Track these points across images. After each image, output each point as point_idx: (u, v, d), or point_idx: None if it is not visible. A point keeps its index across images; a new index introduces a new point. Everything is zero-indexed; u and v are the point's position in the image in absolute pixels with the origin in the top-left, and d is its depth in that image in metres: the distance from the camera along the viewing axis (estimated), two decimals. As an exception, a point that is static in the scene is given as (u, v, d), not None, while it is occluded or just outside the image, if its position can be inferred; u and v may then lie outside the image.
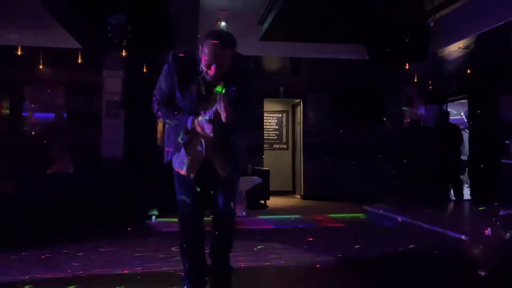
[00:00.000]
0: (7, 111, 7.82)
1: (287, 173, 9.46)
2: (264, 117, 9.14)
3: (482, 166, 7.47)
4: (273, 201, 7.72)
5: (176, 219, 2.50)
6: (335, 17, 5.66)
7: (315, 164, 8.41)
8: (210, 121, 2.17)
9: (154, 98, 2.37)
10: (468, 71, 7.56)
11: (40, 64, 7.03)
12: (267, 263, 3.51)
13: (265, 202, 7.41)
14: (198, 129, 2.21)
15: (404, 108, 7.32)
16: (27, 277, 3.07)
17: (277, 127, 9.69)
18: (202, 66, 2.20)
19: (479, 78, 7.57)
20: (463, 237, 4.23)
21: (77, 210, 5.42)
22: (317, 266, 3.43)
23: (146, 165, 7.16)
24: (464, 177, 8.04)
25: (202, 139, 2.32)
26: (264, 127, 9.07)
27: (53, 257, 3.69)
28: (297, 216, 6.18)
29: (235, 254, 2.73)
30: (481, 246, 3.04)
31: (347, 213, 6.45)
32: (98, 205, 5.43)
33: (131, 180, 5.71)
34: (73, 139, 7.36)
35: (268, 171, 7.67)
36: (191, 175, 2.35)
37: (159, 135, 7.87)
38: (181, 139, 2.31)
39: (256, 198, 7.15)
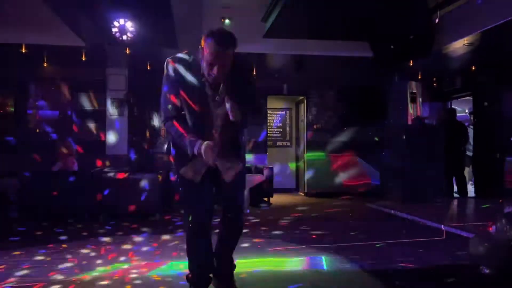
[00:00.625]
0: (12, 109, 7.87)
1: (290, 170, 9.46)
2: (268, 114, 9.14)
3: (486, 163, 7.45)
4: (277, 199, 7.73)
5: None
6: (339, 14, 5.64)
7: (319, 161, 8.41)
8: (213, 148, 2.16)
9: (163, 116, 2.31)
10: (473, 68, 7.53)
11: (44, 62, 7.06)
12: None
13: (268, 199, 7.42)
14: (202, 155, 2.17)
15: (408, 105, 7.29)
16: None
17: (280, 124, 9.69)
18: (204, 68, 2.17)
19: (483, 75, 7.54)
20: (465, 234, 4.23)
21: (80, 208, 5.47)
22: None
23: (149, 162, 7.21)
24: (469, 173, 8.03)
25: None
26: (268, 124, 9.07)
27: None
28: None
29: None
30: (486, 244, 3.03)
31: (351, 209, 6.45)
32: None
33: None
34: (77, 136, 7.40)
35: (271, 168, 7.68)
36: (197, 178, 2.31)
37: (162, 132, 7.89)
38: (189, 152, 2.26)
39: (259, 196, 7.16)
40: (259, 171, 7.36)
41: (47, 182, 5.56)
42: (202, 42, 2.15)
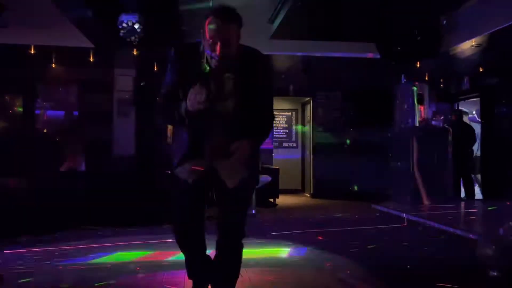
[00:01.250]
0: (20, 109, 7.94)
1: (296, 171, 9.46)
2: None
3: (494, 165, 7.40)
4: (282, 200, 7.73)
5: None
6: (345, 15, 5.64)
7: (325, 163, 8.40)
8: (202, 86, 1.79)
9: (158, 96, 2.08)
10: (481, 69, 7.49)
11: (52, 63, 7.12)
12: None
13: (274, 200, 7.42)
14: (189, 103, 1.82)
15: (415, 106, 7.26)
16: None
17: (286, 125, 9.70)
18: (207, 53, 1.91)
19: (491, 76, 7.50)
20: (473, 236, 4.20)
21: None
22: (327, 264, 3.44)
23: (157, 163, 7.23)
24: (476, 175, 7.98)
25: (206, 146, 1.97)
26: (274, 125, 9.07)
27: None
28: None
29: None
30: (494, 247, 3.01)
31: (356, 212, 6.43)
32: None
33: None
34: (85, 137, 7.45)
35: (277, 169, 7.68)
36: (190, 180, 2.00)
37: (169, 133, 7.92)
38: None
39: (265, 197, 7.17)
40: (266, 171, 7.37)
41: (55, 182, 5.61)
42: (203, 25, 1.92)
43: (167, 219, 5.15)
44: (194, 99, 1.77)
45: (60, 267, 3.34)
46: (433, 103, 8.44)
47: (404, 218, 5.71)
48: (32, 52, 6.41)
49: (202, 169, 1.97)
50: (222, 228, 2.07)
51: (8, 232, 4.37)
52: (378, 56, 6.72)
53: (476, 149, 7.80)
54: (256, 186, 2.15)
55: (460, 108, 8.73)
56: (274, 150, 8.76)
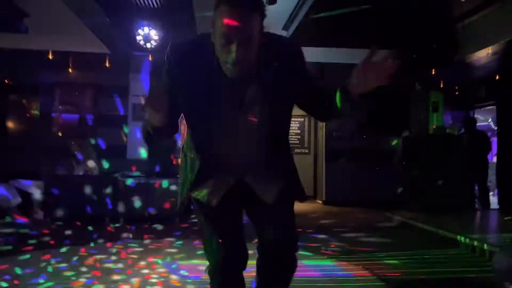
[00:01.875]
0: (37, 112, 8.09)
1: (308, 178, 9.42)
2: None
3: (510, 173, 7.29)
4: (294, 206, 7.69)
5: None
6: (360, 22, 5.64)
7: (337, 169, 8.36)
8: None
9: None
10: (497, 77, 7.40)
11: (69, 67, 7.26)
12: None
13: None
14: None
15: (430, 114, 7.21)
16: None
17: (299, 131, 9.68)
18: (219, 52, 1.39)
19: (508, 84, 7.40)
20: (491, 248, 4.14)
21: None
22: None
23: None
24: (491, 185, 7.87)
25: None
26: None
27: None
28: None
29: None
30: (510, 259, 2.97)
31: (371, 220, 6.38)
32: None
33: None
34: (99, 140, 7.55)
35: (290, 175, 7.66)
36: (214, 201, 1.58)
37: (182, 139, 7.97)
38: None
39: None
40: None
41: (70, 185, 5.69)
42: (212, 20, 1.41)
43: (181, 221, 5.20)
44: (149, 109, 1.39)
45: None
46: (448, 111, 8.37)
47: (419, 227, 5.65)
48: (50, 57, 6.54)
49: (227, 184, 1.58)
50: (267, 254, 1.64)
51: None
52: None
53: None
54: (301, 199, 1.71)
55: (475, 116, 8.64)
56: (287, 156, 8.74)
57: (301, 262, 1.73)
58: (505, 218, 5.92)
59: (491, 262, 3.14)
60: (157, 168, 5.80)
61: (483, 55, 6.04)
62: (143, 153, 6.97)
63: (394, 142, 7.63)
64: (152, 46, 5.30)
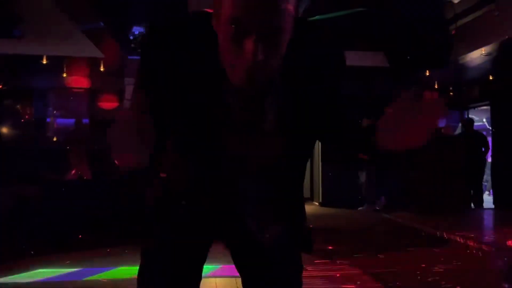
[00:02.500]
0: (32, 117, 8.06)
1: (305, 179, 9.42)
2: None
3: (506, 173, 7.34)
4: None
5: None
6: (355, 25, 5.67)
7: (334, 171, 8.37)
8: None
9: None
10: (491, 78, 7.46)
11: (63, 72, 7.24)
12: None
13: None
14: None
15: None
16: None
17: (295, 133, 9.69)
18: (221, 50, 0.87)
19: (502, 84, 7.46)
20: (484, 247, 4.16)
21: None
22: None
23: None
24: (487, 184, 7.91)
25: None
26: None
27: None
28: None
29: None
30: (505, 258, 2.98)
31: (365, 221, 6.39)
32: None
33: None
34: (93, 145, 7.52)
35: (286, 177, 7.66)
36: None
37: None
38: None
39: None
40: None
41: (64, 190, 5.65)
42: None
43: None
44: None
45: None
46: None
47: (415, 228, 5.67)
48: (44, 62, 6.52)
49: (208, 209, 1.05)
50: None
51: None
52: (387, 65, 6.74)
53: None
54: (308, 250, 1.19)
55: (470, 116, 8.69)
56: (283, 158, 8.74)
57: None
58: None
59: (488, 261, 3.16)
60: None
61: (477, 55, 6.08)
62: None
63: None
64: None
